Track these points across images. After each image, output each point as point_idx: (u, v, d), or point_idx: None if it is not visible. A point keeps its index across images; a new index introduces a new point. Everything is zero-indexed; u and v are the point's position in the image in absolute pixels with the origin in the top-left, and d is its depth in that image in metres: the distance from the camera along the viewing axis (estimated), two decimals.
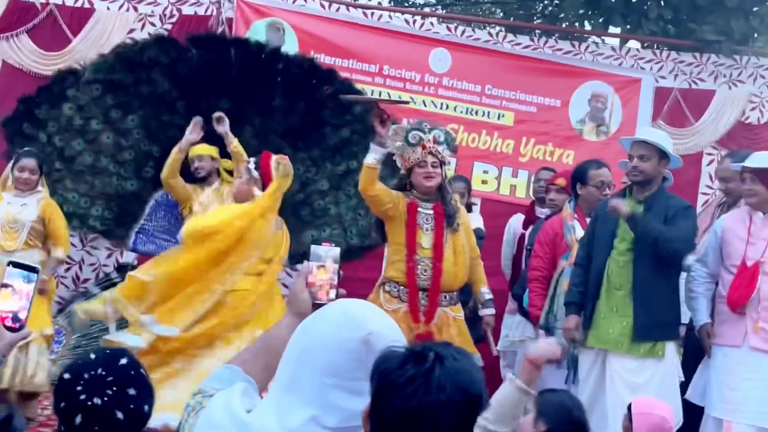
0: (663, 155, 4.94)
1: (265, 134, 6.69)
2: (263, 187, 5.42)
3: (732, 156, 5.53)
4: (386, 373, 1.56)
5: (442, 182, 5.17)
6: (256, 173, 5.43)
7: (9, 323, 2.29)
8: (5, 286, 2.31)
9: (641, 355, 4.86)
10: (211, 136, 6.32)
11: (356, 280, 6.72)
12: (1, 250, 5.80)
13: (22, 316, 2.31)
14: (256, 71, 6.73)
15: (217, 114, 5.45)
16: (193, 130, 6.13)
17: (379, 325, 1.73)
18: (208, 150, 6.40)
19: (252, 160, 5.52)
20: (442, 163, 5.14)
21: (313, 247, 2.24)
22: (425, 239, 5.11)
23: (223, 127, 6.14)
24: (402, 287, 5.08)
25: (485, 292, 5.37)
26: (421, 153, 5.08)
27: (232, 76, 6.69)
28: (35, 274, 2.34)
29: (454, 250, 5.15)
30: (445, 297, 5.11)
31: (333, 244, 2.30)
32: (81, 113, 6.60)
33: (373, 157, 5.02)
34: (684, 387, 5.04)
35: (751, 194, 4.89)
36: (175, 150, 6.17)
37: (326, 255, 2.21)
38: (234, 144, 6.14)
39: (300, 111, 6.86)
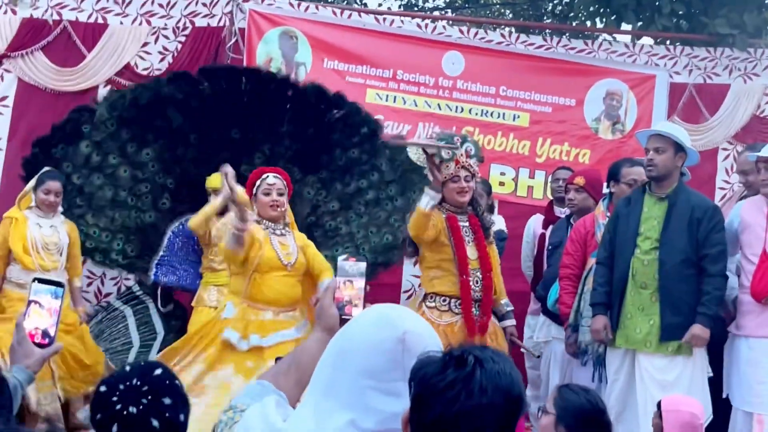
0: (679, 149, 4.92)
1: (275, 160, 6.69)
2: None
3: (751, 149, 5.52)
4: (426, 379, 1.55)
5: (474, 195, 5.20)
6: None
7: (38, 339, 2.31)
8: (34, 302, 2.33)
9: (670, 354, 4.84)
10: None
11: (380, 286, 6.79)
12: (42, 270, 5.84)
13: (51, 332, 2.33)
14: (266, 99, 6.74)
15: (224, 169, 5.33)
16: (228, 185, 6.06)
17: (414, 324, 1.74)
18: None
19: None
20: (473, 176, 5.17)
21: (340, 263, 2.25)
22: (471, 252, 5.12)
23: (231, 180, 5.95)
24: (453, 300, 5.07)
25: (506, 304, 5.39)
26: (455, 168, 5.08)
27: (243, 104, 6.71)
28: (62, 289, 2.36)
29: (493, 262, 5.19)
30: None
31: (358, 259, 2.31)
32: (98, 149, 6.63)
33: (427, 203, 4.91)
34: (712, 382, 5.03)
35: (767, 183, 4.89)
36: (211, 208, 6.26)
37: (353, 270, 2.23)
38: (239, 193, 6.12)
39: (309, 135, 6.88)
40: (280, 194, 5.20)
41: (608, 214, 5.42)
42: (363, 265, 2.25)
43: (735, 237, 5.01)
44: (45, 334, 2.32)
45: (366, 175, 6.81)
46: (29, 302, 2.33)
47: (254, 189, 5.25)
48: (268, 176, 5.23)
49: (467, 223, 5.17)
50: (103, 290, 7.50)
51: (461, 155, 5.08)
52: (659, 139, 4.92)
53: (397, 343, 1.67)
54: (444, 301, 5.09)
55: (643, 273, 4.90)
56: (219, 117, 6.69)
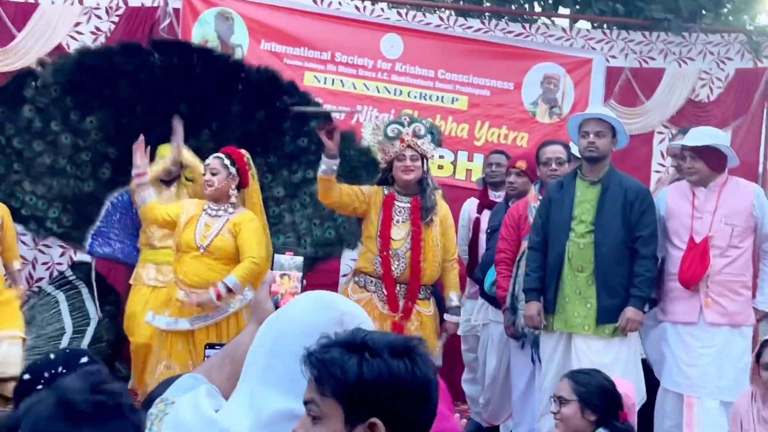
0: (614, 134, 4.99)
1: (222, 138, 6.63)
2: (241, 185, 5.45)
3: (684, 133, 5.60)
4: None
5: (424, 176, 5.20)
6: (233, 169, 5.38)
7: None
8: None
9: (606, 336, 4.90)
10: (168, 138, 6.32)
11: (319, 272, 6.79)
12: None
13: None
14: (217, 78, 6.68)
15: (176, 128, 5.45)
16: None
17: (350, 306, 1.78)
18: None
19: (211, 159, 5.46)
20: (423, 157, 5.17)
21: (276, 256, 2.27)
22: (396, 231, 5.14)
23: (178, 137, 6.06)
24: (369, 278, 5.12)
25: (453, 298, 5.40)
26: (400, 147, 5.11)
27: (193, 80, 6.62)
28: None
29: (425, 245, 5.18)
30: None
31: (295, 253, 2.32)
32: (40, 115, 6.49)
33: (323, 169, 5.10)
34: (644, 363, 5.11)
35: (692, 172, 4.96)
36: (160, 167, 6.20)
37: (289, 264, 2.24)
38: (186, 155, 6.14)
39: (259, 118, 6.83)
40: (213, 173, 5.29)
41: (540, 197, 5.47)
42: (300, 260, 2.27)
43: (662, 224, 5.07)
44: None
45: (314, 166, 6.75)
46: None
47: None
48: (210, 156, 5.33)
49: (407, 204, 5.19)
50: (35, 275, 7.34)
51: (407, 134, 5.10)
52: (599, 123, 4.98)
53: (336, 325, 1.68)
54: (360, 278, 5.15)
55: (579, 256, 4.95)
56: (167, 90, 6.58)
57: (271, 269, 2.23)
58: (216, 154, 5.43)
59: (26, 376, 2.23)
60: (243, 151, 5.53)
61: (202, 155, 6.00)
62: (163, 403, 1.87)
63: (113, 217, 6.64)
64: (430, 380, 1.58)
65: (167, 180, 6.39)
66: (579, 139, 5.03)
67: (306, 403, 1.57)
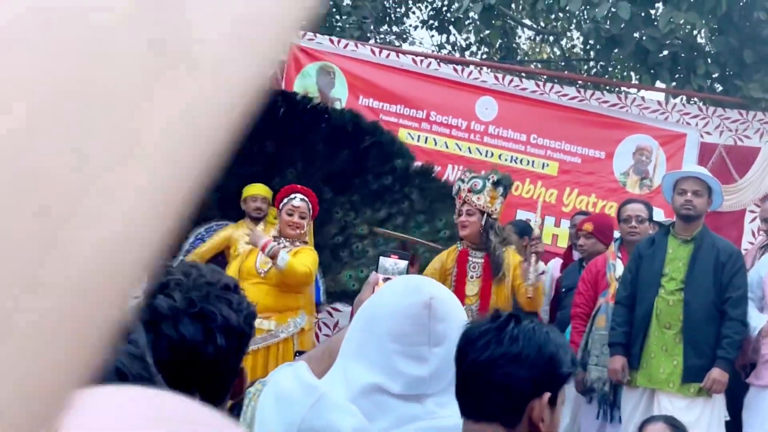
0: (710, 194, 5.01)
1: (307, 177, 6.80)
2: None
3: None
4: (465, 332, 1.62)
5: (487, 230, 5.22)
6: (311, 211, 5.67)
7: None
8: None
9: (691, 395, 4.86)
10: (258, 176, 6.55)
11: None
12: None
13: None
14: (301, 119, 6.86)
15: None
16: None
17: (441, 291, 1.81)
18: (266, 191, 6.53)
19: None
20: (481, 212, 5.20)
21: (381, 259, 2.28)
22: (470, 288, 5.17)
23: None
24: None
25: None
26: (457, 202, 5.20)
27: (277, 121, 6.79)
28: None
29: (497, 301, 5.20)
30: None
31: (400, 256, 2.34)
32: None
33: None
34: (728, 426, 5.02)
35: None
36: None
37: (393, 268, 2.26)
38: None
39: (342, 158, 6.97)
40: (302, 217, 5.50)
41: (619, 255, 5.49)
42: (404, 264, 2.28)
43: (761, 288, 5.04)
44: None
45: (398, 203, 6.89)
46: None
47: (280, 204, 5.56)
48: (295, 197, 5.51)
49: (480, 260, 5.22)
50: None
51: (464, 190, 5.18)
52: (697, 182, 5.00)
53: (423, 308, 1.73)
54: None
55: (667, 313, 4.93)
56: (253, 131, 6.74)
57: (376, 271, 2.26)
58: (301, 197, 5.59)
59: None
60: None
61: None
62: (261, 384, 1.95)
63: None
64: None
65: (257, 218, 6.57)
66: (674, 197, 5.04)
67: None
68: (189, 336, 1.56)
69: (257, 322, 5.26)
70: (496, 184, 5.27)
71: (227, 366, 1.65)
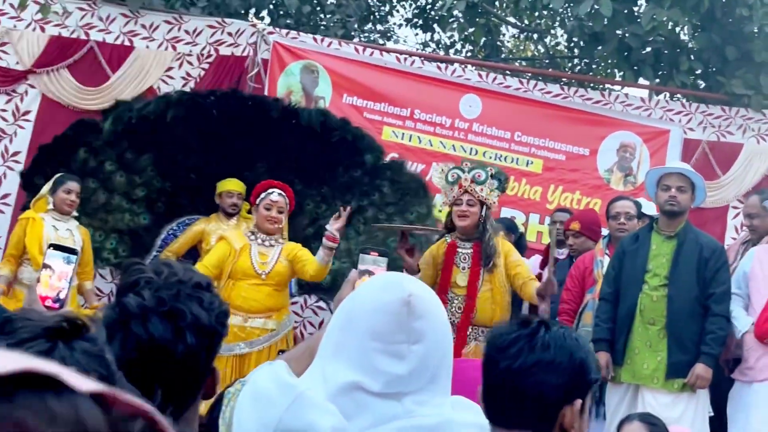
0: (693, 190, 5.02)
1: (278, 170, 6.76)
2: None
3: (760, 194, 5.58)
4: (494, 339, 1.60)
5: (483, 222, 5.22)
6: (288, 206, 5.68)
7: (50, 303, 2.35)
8: (46, 267, 2.37)
9: (675, 390, 4.86)
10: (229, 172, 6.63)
11: None
12: None
13: (62, 296, 2.37)
14: (271, 118, 6.80)
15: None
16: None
17: (419, 288, 1.78)
18: (241, 187, 6.53)
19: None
20: (482, 203, 5.20)
21: (361, 256, 2.28)
22: (461, 278, 5.17)
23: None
24: None
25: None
26: (457, 191, 5.16)
27: (248, 120, 6.76)
28: (75, 256, 2.40)
29: (492, 288, 5.19)
30: (482, 332, 5.14)
31: (380, 252, 2.33)
32: (95, 156, 6.65)
33: None
34: (712, 421, 5.03)
35: None
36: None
37: (374, 264, 2.25)
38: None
39: (312, 151, 6.94)
40: (280, 212, 5.54)
41: (607, 252, 5.49)
42: (384, 260, 2.28)
43: (744, 280, 5.05)
44: (56, 298, 2.35)
45: (368, 195, 6.90)
46: (42, 266, 2.38)
47: (257, 199, 5.59)
48: (273, 192, 5.55)
49: (469, 251, 5.22)
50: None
51: (465, 180, 5.16)
52: (681, 178, 5.00)
53: (402, 305, 1.70)
54: None
55: (651, 309, 4.94)
56: (223, 129, 6.75)
57: (356, 267, 2.25)
58: (279, 191, 5.60)
59: None
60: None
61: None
62: (240, 383, 1.94)
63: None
64: None
65: (232, 213, 6.58)
66: (658, 193, 5.04)
67: None
68: (158, 335, 1.54)
69: (261, 323, 5.34)
70: (493, 177, 5.29)
71: (198, 365, 1.63)
